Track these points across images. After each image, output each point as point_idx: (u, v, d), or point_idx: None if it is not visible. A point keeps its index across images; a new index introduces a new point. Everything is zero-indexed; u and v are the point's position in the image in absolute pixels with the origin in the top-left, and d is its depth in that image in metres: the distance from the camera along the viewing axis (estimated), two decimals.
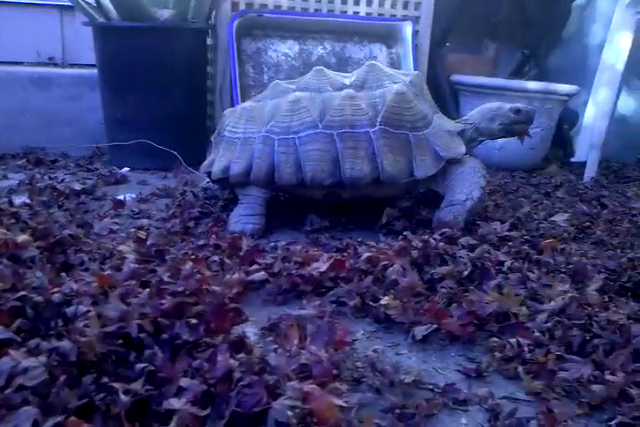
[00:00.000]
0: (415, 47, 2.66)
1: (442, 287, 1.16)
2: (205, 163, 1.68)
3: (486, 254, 1.32)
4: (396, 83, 1.60)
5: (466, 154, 1.63)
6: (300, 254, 1.23)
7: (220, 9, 2.38)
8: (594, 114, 2.53)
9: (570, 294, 1.09)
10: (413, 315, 1.07)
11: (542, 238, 1.48)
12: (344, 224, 1.64)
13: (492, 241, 1.44)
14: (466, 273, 1.21)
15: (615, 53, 2.52)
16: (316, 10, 2.59)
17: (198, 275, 1.00)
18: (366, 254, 1.22)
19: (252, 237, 1.48)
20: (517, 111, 1.62)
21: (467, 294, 1.14)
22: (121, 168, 2.20)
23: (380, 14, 2.68)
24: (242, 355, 0.86)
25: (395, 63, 2.65)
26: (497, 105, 1.67)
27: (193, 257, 1.18)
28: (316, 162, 1.51)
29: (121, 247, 1.09)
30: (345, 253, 1.28)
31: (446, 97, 2.88)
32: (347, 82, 1.63)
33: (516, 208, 1.80)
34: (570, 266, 1.25)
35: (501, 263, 1.28)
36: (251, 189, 1.60)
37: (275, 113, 1.58)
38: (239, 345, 0.89)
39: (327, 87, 1.61)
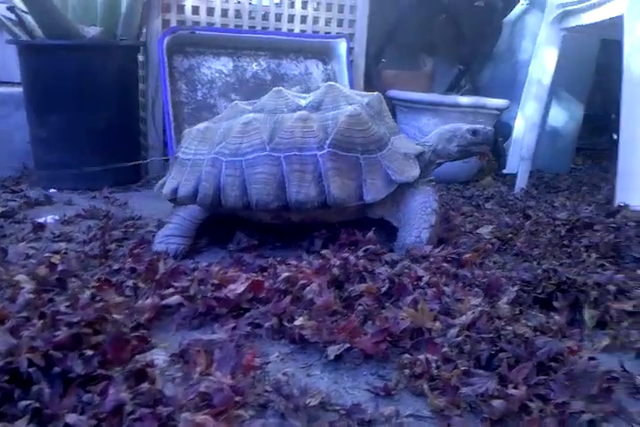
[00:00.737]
0: (350, 64, 2.71)
1: (359, 305, 1.16)
2: (159, 183, 1.68)
3: (406, 270, 1.34)
4: (351, 104, 1.58)
5: (424, 177, 1.63)
6: (218, 276, 1.22)
7: (150, 26, 2.36)
8: (523, 127, 2.61)
9: (480, 308, 1.11)
10: (328, 334, 1.06)
11: (466, 252, 1.50)
12: (272, 242, 1.64)
13: (416, 256, 1.46)
14: (384, 290, 1.22)
15: (541, 68, 2.61)
16: (250, 27, 2.60)
17: (100, 302, 0.97)
18: (285, 274, 1.21)
19: (174, 258, 1.45)
20: (475, 132, 1.62)
21: (383, 310, 1.14)
22: (48, 189, 2.14)
23: (314, 31, 2.72)
24: (144, 385, 0.84)
25: (330, 79, 2.68)
26: (454, 126, 1.67)
27: (105, 282, 1.15)
28: (261, 185, 1.50)
29: (18, 277, 1.05)
30: (265, 273, 1.27)
31: None
32: (303, 103, 1.61)
33: (447, 221, 1.83)
34: (484, 280, 1.27)
35: (420, 278, 1.29)
36: (182, 210, 1.58)
37: (227, 135, 1.57)
38: (141, 375, 0.87)
39: (283, 108, 1.60)
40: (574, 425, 0.87)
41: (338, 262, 1.29)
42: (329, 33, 2.74)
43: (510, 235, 1.71)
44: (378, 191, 1.51)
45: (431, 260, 1.40)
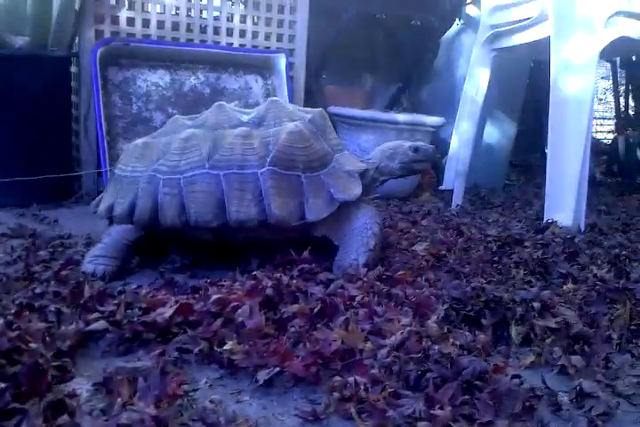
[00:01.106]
0: (290, 79, 2.72)
1: (291, 326, 1.16)
2: (94, 201, 1.61)
3: (340, 290, 1.34)
4: (294, 120, 1.56)
5: (368, 195, 1.63)
6: (146, 299, 1.18)
7: (83, 37, 2.30)
8: (458, 143, 2.68)
9: (409, 328, 1.12)
10: (259, 358, 1.05)
11: (399, 270, 1.52)
12: (208, 262, 1.61)
13: (351, 274, 1.46)
14: (316, 310, 1.21)
15: (474, 87, 2.70)
16: (187, 40, 2.57)
17: (17, 331, 0.93)
18: (216, 296, 1.19)
19: (102, 279, 1.41)
20: (416, 149, 1.63)
21: (315, 332, 1.14)
22: None
23: (254, 46, 2.72)
24: (63, 418, 0.81)
25: (270, 94, 2.68)
26: (396, 144, 1.66)
27: (26, 307, 1.10)
28: (200, 204, 1.46)
29: None
30: (196, 295, 1.25)
31: None
32: (245, 119, 1.58)
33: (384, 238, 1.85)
34: (414, 298, 1.29)
35: (353, 298, 1.30)
36: (114, 229, 1.53)
37: (165, 151, 1.53)
38: (60, 407, 0.83)
39: (224, 124, 1.56)
40: None
41: (270, 283, 1.28)
42: (269, 48, 2.75)
43: (444, 252, 1.74)
44: (319, 210, 1.49)
45: (364, 279, 1.40)
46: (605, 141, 3.98)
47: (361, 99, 3.37)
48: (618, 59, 3.29)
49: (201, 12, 2.62)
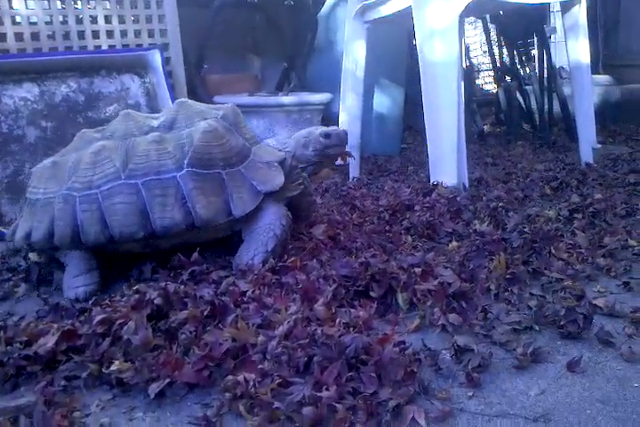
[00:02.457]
0: (169, 74, 2.66)
1: (182, 333, 1.16)
2: (11, 229, 1.55)
3: (231, 287, 1.35)
4: (205, 119, 1.53)
5: (292, 182, 1.62)
6: (27, 331, 1.15)
7: None
8: (346, 118, 2.72)
9: (295, 316, 1.15)
10: (149, 372, 1.05)
11: (294, 257, 1.54)
12: (101, 276, 1.58)
13: (244, 268, 1.48)
14: (206, 313, 1.22)
15: (353, 61, 2.73)
16: (51, 48, 2.46)
17: None
18: (100, 317, 1.18)
19: (85, 300, 1.40)
20: (327, 135, 1.61)
21: (205, 335, 1.15)
22: None
23: (124, 45, 2.63)
24: None
25: (150, 93, 2.62)
26: (307, 131, 1.65)
27: None
28: (122, 216, 1.43)
29: None
30: (81, 318, 1.23)
31: None
32: (155, 124, 1.55)
33: None
34: (301, 285, 1.32)
35: (244, 294, 1.32)
36: (69, 255, 1.51)
37: (77, 167, 1.48)
38: None
39: (134, 132, 1.52)
40: (383, 414, 0.94)
41: (156, 293, 1.27)
42: (141, 45, 2.66)
43: (339, 231, 1.78)
44: (245, 204, 1.49)
45: (256, 272, 1.42)
46: (492, 93, 4.12)
47: (250, 83, 3.34)
48: (487, 15, 3.40)
49: (64, 18, 2.50)
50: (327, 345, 1.07)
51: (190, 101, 1.63)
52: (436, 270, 1.38)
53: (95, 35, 2.55)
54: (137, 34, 2.65)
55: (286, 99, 2.74)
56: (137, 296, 1.25)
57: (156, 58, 2.59)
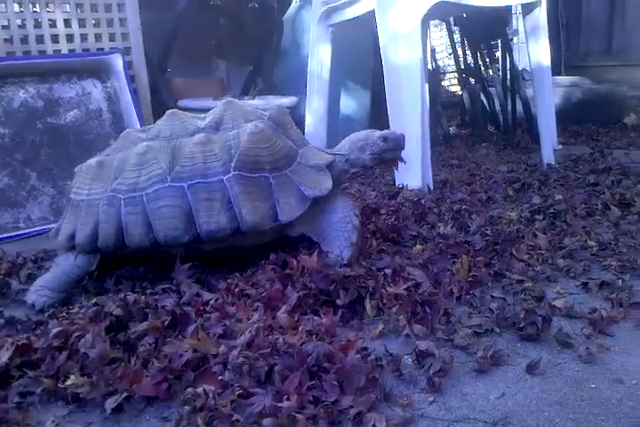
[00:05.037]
0: (131, 78, 2.62)
1: (141, 345, 1.14)
2: (53, 230, 1.51)
3: (195, 297, 1.33)
4: (252, 121, 1.48)
5: (339, 186, 1.58)
6: None
7: None
8: (312, 120, 2.72)
9: (257, 325, 1.14)
10: (106, 386, 1.03)
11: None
12: None
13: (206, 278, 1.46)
14: (167, 323, 1.20)
15: (319, 64, 2.74)
16: (8, 53, 2.40)
17: None
18: (56, 329, 1.15)
19: (41, 311, 1.37)
20: (385, 139, 1.54)
21: (165, 347, 1.13)
22: None
23: (85, 49, 2.58)
24: None
25: (112, 97, 2.58)
26: (365, 134, 1.58)
27: None
28: (167, 220, 1.40)
29: None
30: (37, 332, 1.20)
31: None
32: (201, 124, 1.50)
33: None
34: (264, 293, 1.30)
35: (207, 303, 1.30)
36: (63, 259, 1.47)
37: (122, 168, 1.44)
38: None
39: (180, 133, 1.48)
40: (345, 422, 0.94)
41: (116, 304, 1.25)
42: (102, 49, 2.62)
43: None
44: (292, 210, 1.44)
45: (229, 281, 1.40)
46: (458, 94, 4.17)
47: (215, 87, 3.31)
48: (451, 18, 3.43)
49: (22, 22, 2.44)
50: (289, 354, 1.06)
51: (237, 101, 1.58)
52: (406, 272, 1.37)
53: (54, 39, 2.50)
54: (98, 38, 2.61)
55: (252, 102, 2.72)
56: (95, 308, 1.22)
57: (118, 62, 2.55)
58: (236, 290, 1.36)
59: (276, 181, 1.46)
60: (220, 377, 1.02)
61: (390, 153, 1.57)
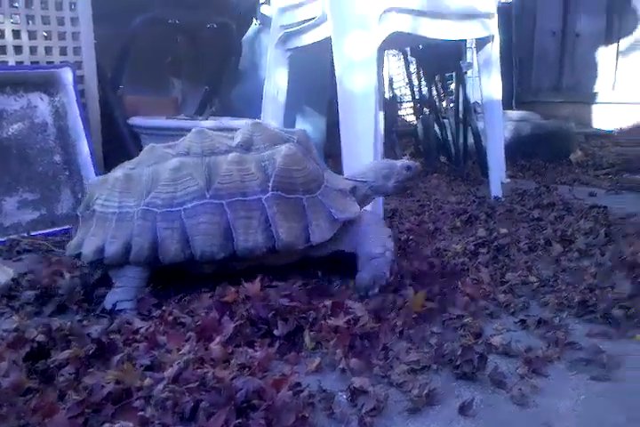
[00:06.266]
0: (81, 93, 2.55)
1: (61, 375, 1.07)
2: (73, 243, 1.46)
3: (126, 324, 1.27)
4: (282, 143, 1.52)
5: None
6: None
7: None
8: None
9: (186, 357, 1.09)
10: (17, 419, 0.96)
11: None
12: None
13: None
14: (92, 352, 1.14)
15: (275, 87, 2.73)
16: None
17: None
18: None
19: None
20: (409, 168, 1.64)
21: (86, 377, 1.06)
22: None
23: (33, 62, 2.50)
24: None
25: (59, 111, 2.50)
26: (388, 163, 1.68)
27: None
28: (205, 236, 1.40)
29: None
30: None
31: (127, 141, 2.81)
32: (232, 143, 1.51)
33: None
34: (199, 322, 1.25)
35: (137, 331, 1.24)
36: (126, 270, 1.43)
37: (154, 182, 1.42)
38: None
39: (211, 151, 1.48)
40: None
41: (38, 330, 1.17)
42: (52, 62, 2.54)
43: None
44: (323, 232, 1.49)
45: (164, 308, 1.35)
46: (413, 124, 4.24)
47: (169, 106, 3.26)
48: (408, 48, 3.50)
49: None
50: (217, 389, 1.01)
51: (264, 123, 1.62)
52: (345, 304, 1.35)
53: (1, 50, 2.41)
54: (48, 50, 2.53)
55: (205, 123, 2.68)
56: (15, 334, 1.15)
57: (68, 76, 2.48)
58: (170, 318, 1.31)
59: (309, 202, 1.51)
60: (140, 412, 0.96)
61: (410, 182, 1.74)
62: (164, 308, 1.36)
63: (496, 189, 2.58)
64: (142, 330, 1.24)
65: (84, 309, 1.43)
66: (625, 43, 4.72)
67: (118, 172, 1.52)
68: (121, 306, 1.40)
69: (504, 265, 1.71)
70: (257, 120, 1.65)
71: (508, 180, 2.74)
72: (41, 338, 1.17)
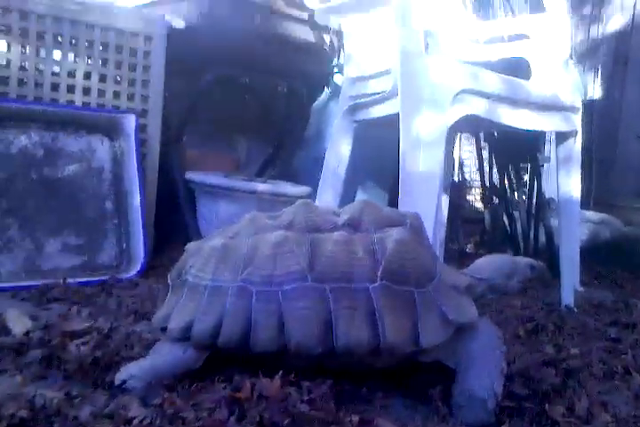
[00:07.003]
0: (142, 142, 2.51)
1: None
2: (160, 315, 1.30)
3: (121, 409, 1.08)
4: (394, 226, 1.31)
5: None
6: None
7: None
8: None
9: None
10: None
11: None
12: None
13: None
14: None
15: (336, 158, 2.60)
16: (19, 96, 2.31)
17: None
18: None
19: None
20: (533, 268, 1.49)
21: None
22: None
23: (100, 104, 2.50)
24: None
25: (117, 158, 2.45)
26: (509, 260, 1.52)
27: None
28: (304, 324, 1.18)
29: None
30: None
31: (180, 196, 2.73)
32: (339, 221, 1.32)
33: None
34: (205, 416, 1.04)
35: (130, 421, 1.04)
36: (167, 349, 1.26)
37: (252, 256, 1.25)
38: None
39: (317, 226, 1.30)
40: None
41: (19, 406, 1.00)
42: (118, 107, 2.53)
43: None
44: (434, 335, 1.21)
45: (165, 396, 1.14)
46: (481, 211, 4.00)
47: (230, 164, 3.20)
48: (482, 133, 3.35)
49: (38, 67, 2.38)
50: None
51: (374, 203, 1.41)
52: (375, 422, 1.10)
53: (70, 89, 2.42)
54: (116, 95, 2.53)
55: (261, 186, 2.58)
56: None
57: (131, 123, 2.45)
58: (170, 410, 1.10)
59: (420, 297, 1.25)
60: None
61: (531, 282, 1.59)
62: (166, 395, 1.15)
63: (568, 296, 2.29)
64: (136, 421, 1.04)
65: (91, 376, 1.24)
66: None
67: (216, 240, 1.34)
68: (130, 384, 1.18)
69: (574, 393, 1.41)
70: (367, 200, 1.43)
71: (582, 288, 2.44)
72: (23, 414, 0.99)
